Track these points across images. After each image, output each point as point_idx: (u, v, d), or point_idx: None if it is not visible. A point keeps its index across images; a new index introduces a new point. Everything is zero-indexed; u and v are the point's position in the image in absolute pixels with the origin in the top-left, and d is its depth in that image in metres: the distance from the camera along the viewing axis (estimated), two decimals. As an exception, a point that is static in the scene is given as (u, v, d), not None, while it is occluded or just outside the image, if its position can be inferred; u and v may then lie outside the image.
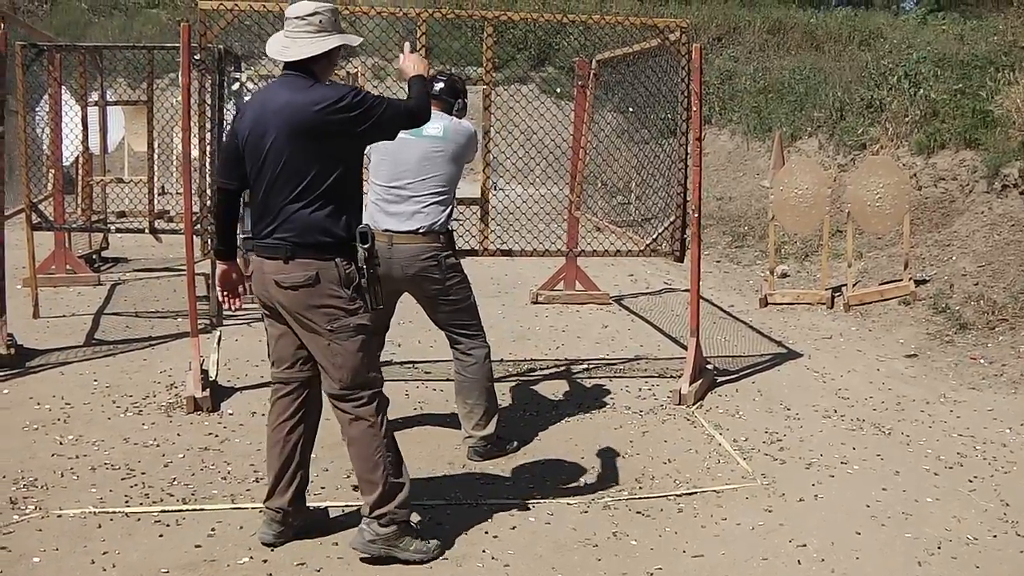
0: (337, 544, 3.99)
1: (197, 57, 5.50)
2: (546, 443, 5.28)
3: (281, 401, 4.06)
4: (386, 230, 4.82)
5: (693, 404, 5.91)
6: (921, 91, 11.18)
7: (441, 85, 5.10)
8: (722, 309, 8.43)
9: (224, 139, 5.35)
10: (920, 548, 4.13)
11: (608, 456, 5.10)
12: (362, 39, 4.18)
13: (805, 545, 4.13)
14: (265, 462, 4.14)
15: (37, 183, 7.92)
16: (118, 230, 7.92)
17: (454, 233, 5.07)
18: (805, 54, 17.80)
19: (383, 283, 4.42)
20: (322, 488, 4.53)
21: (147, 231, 7.68)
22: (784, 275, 9.51)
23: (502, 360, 6.75)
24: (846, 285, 8.35)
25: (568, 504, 4.50)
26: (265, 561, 3.87)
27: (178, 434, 5.22)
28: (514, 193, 8.81)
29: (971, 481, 4.85)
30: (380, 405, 3.94)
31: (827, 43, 18.60)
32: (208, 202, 6.18)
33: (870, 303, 8.15)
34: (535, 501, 4.52)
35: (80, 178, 8.28)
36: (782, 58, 17.80)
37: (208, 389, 5.65)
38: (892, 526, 4.34)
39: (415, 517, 4.10)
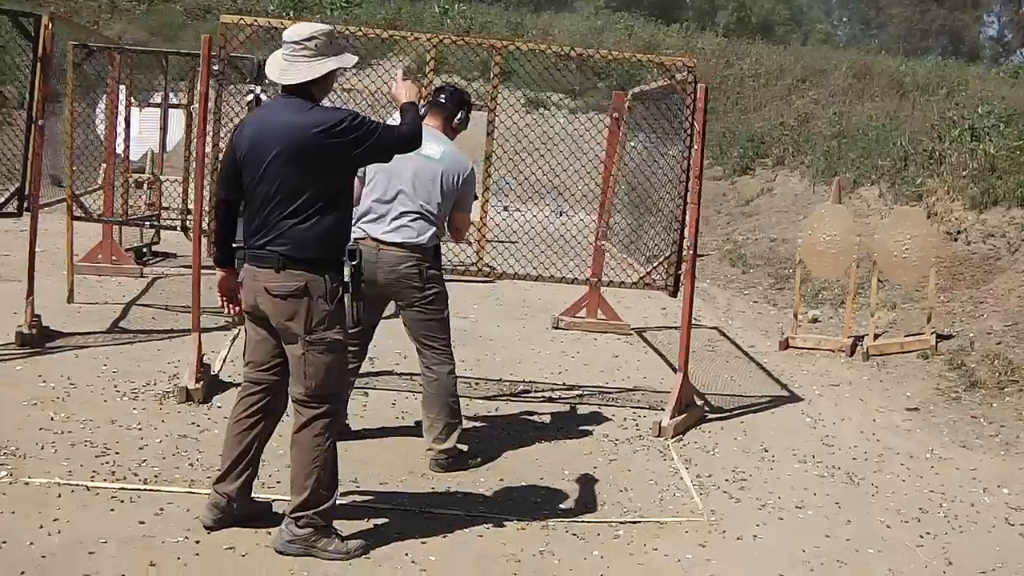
0: (270, 534, 4.21)
1: (216, 68, 5.83)
2: (511, 462, 5.44)
3: (248, 398, 4.32)
4: (375, 239, 5.05)
5: (672, 437, 5.99)
6: (981, 146, 11.04)
7: (446, 95, 5.32)
8: (740, 348, 8.47)
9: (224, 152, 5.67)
10: (839, 596, 4.18)
11: (567, 480, 5.24)
12: (358, 58, 4.42)
13: (723, 581, 4.21)
14: (221, 450, 4.39)
15: (89, 176, 8.39)
16: (151, 226, 8.34)
17: (440, 250, 5.25)
18: (888, 101, 17.64)
19: (368, 287, 4.69)
20: (277, 483, 4.76)
21: (178, 229, 8.08)
22: (815, 320, 9.49)
23: (500, 379, 6.94)
24: (868, 335, 8.31)
25: (508, 521, 4.65)
26: (197, 542, 4.13)
27: (162, 421, 5.53)
28: (583, 222, 9.00)
29: (922, 537, 4.86)
30: (335, 421, 4.22)
31: (913, 91, 18.39)
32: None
33: (890, 354, 8.10)
34: (478, 515, 4.69)
35: (120, 175, 8.69)
36: (864, 104, 17.67)
37: (202, 382, 5.95)
38: (821, 573, 4.40)
39: (355, 523, 4.30)
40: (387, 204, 5.09)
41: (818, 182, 14.60)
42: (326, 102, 4.21)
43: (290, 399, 4.21)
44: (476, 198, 5.33)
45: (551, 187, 11.30)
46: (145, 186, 10.40)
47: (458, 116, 5.28)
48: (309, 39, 4.03)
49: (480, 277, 7.38)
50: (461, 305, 9.04)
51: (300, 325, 4.03)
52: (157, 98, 10.14)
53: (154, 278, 9.13)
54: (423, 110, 5.18)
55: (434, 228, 5.12)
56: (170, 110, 10.00)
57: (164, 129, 9.95)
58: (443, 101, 5.27)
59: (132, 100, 9.00)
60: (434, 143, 5.08)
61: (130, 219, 8.91)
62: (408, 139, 4.19)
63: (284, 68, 4.07)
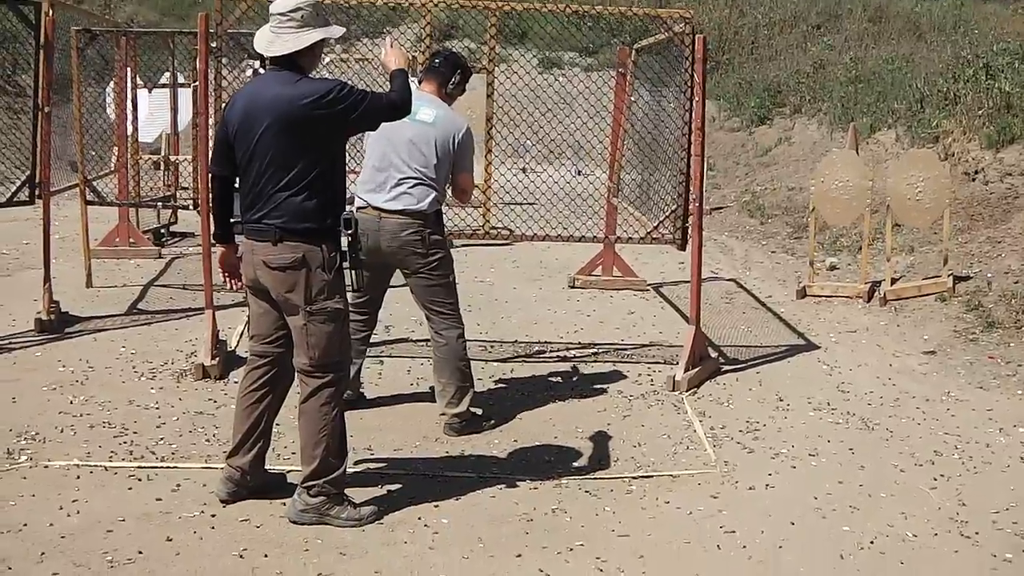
0: (285, 504, 4.27)
1: (213, 45, 5.84)
2: (525, 423, 5.47)
3: (254, 371, 4.38)
4: (375, 207, 5.07)
5: (687, 391, 6.00)
6: (996, 84, 10.86)
7: (441, 58, 5.31)
8: (757, 299, 8.44)
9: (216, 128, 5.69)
10: (851, 542, 4.19)
11: (580, 438, 5.27)
12: (344, 30, 4.43)
13: (734, 532, 4.24)
14: (232, 425, 4.44)
15: (100, 160, 8.44)
16: (165, 206, 8.38)
17: (442, 215, 5.26)
18: (905, 43, 17.37)
19: (372, 255, 4.73)
20: (292, 454, 4.80)
21: (191, 208, 8.13)
22: (834, 268, 9.42)
23: (515, 341, 6.97)
24: (885, 279, 8.25)
25: (521, 481, 4.68)
26: (213, 516, 4.20)
27: (179, 398, 5.60)
28: (599, 180, 8.98)
29: (935, 480, 4.85)
30: (339, 389, 4.25)
31: (929, 32, 18.09)
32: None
33: (908, 298, 8.04)
34: (491, 476, 4.73)
35: (129, 156, 8.74)
36: (880, 47, 17.41)
37: (218, 358, 6.01)
38: (833, 519, 4.40)
39: (368, 490, 4.34)
40: (385, 172, 5.09)
41: (835, 129, 14.44)
42: (327, 73, 4.23)
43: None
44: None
45: (569, 146, 11.31)
46: (161, 167, 10.46)
47: (452, 80, 5.26)
48: (295, 10, 4.03)
49: (493, 240, 7.41)
50: (478, 269, 9.09)
51: (300, 296, 4.06)
52: (166, 79, 10.15)
53: (172, 258, 9.19)
54: (420, 76, 5.20)
55: (435, 193, 5.12)
56: (180, 90, 10.02)
57: (175, 109, 9.97)
58: (437, 65, 5.27)
59: (140, 82, 9.02)
60: (428, 107, 5.09)
61: (142, 201, 8.95)
62: (397, 105, 4.19)
63: (271, 40, 4.08)
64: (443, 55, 5.37)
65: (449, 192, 5.28)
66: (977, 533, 4.30)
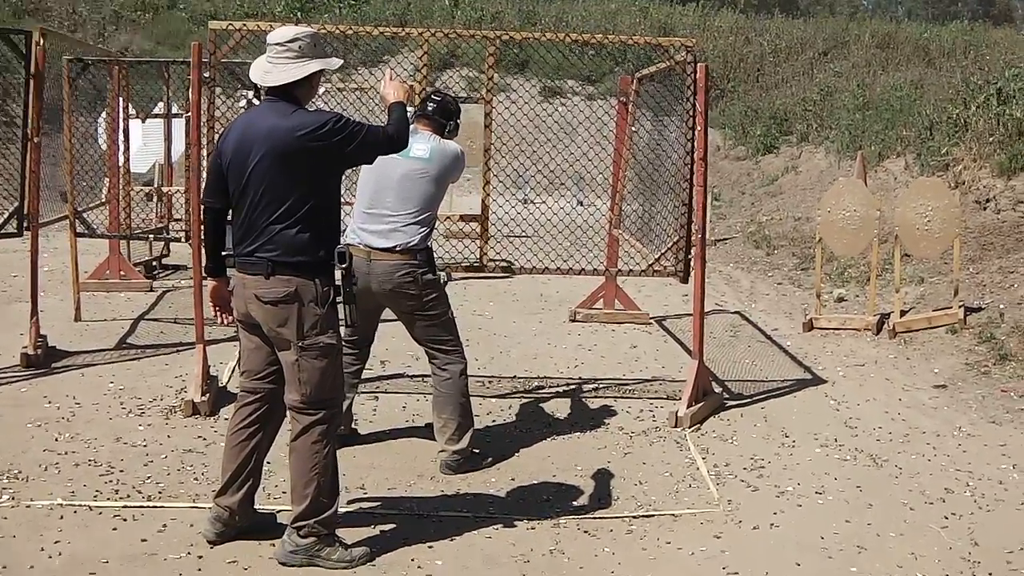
0: (274, 545, 4.24)
1: (207, 75, 5.87)
2: (523, 460, 5.44)
3: (245, 408, 4.36)
4: (366, 246, 5.07)
5: (690, 427, 5.97)
6: (1008, 110, 10.89)
7: (434, 106, 5.34)
8: (763, 332, 8.42)
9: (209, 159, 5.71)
10: (858, 582, 4.15)
11: (580, 476, 5.23)
12: (342, 61, 4.45)
13: (737, 573, 4.20)
14: (221, 463, 4.41)
15: (91, 191, 8.46)
16: (156, 239, 8.38)
17: (432, 251, 5.27)
18: (913, 69, 17.47)
19: (362, 297, 4.73)
20: (283, 493, 4.77)
21: (184, 240, 8.13)
22: (841, 299, 9.41)
23: (514, 376, 6.94)
24: (894, 311, 8.23)
25: (518, 520, 4.65)
26: (200, 557, 4.17)
27: (168, 436, 5.57)
28: (601, 211, 8.99)
29: (947, 518, 4.81)
30: (332, 426, 4.23)
31: (939, 58, 18.21)
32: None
33: (917, 330, 8.02)
34: (487, 516, 4.69)
35: (121, 187, 8.76)
36: (888, 74, 17.51)
37: (208, 394, 5.99)
38: (839, 559, 4.36)
39: (361, 531, 4.31)
40: (376, 209, 5.11)
41: (843, 157, 14.51)
42: (322, 104, 4.25)
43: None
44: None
45: (569, 176, 11.33)
46: (154, 198, 10.49)
47: (448, 127, 5.32)
48: (292, 40, 4.06)
49: (492, 274, 7.39)
50: (477, 302, 9.08)
51: (292, 331, 4.06)
52: (160, 108, 10.20)
53: (164, 291, 9.20)
54: (412, 118, 5.20)
55: (426, 229, 5.15)
56: (174, 120, 10.06)
57: (169, 139, 10.01)
58: (431, 112, 5.29)
59: (133, 111, 9.05)
60: (422, 142, 5.14)
61: (134, 233, 8.97)
62: (394, 139, 4.22)
63: (267, 70, 4.11)
64: (435, 102, 5.38)
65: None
66: (990, 574, 4.26)
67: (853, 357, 7.69)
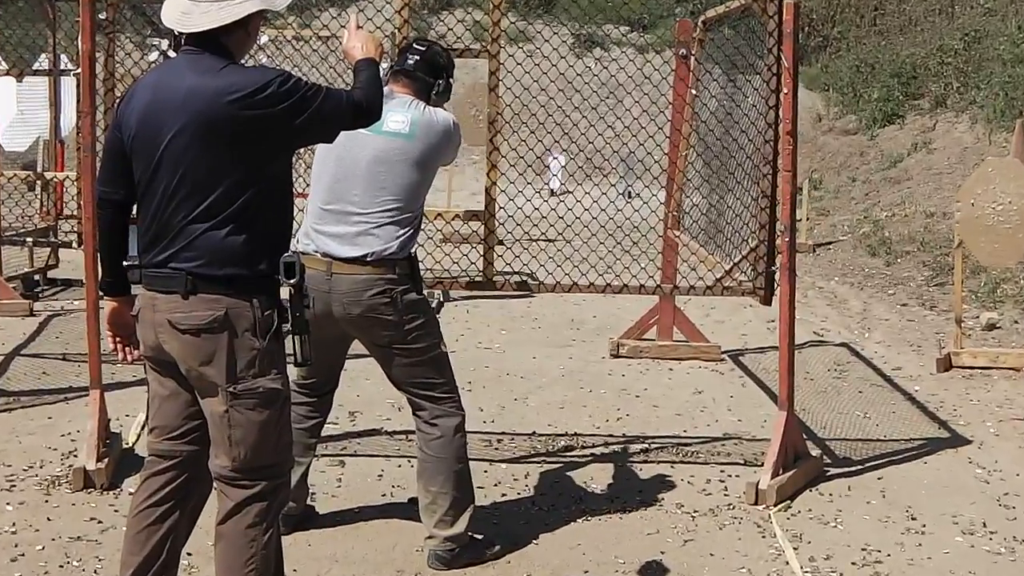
0: (193, 669, 4.26)
1: (103, 16, 5.91)
2: (544, 549, 5.45)
3: (154, 479, 4.33)
4: (325, 254, 5.07)
5: (775, 505, 5.97)
6: None
7: (416, 58, 5.34)
8: (880, 372, 8.45)
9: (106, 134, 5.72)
10: None
11: (623, 572, 5.23)
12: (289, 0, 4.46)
13: None
14: (121, 555, 4.42)
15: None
16: (36, 244, 8.44)
17: (416, 261, 5.27)
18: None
19: (321, 324, 4.72)
20: (207, 595, 4.80)
21: (76, 245, 8.18)
22: (992, 327, 9.43)
23: (533, 433, 6.97)
24: (1065, 344, 8.23)
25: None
26: None
27: (48, 518, 5.60)
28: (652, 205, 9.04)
29: None
30: (276, 504, 4.20)
31: None
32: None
33: (1099, 372, 8.02)
34: (491, 631, 4.71)
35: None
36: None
37: (107, 459, 6.02)
38: None
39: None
40: (338, 205, 5.11)
41: (996, 128, 14.53)
42: (264, 59, 4.26)
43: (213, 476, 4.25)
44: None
45: (607, 159, 11.36)
46: (37, 187, 10.56)
47: (435, 88, 5.32)
48: None
49: (505, 292, 7.42)
50: (484, 331, 9.14)
51: (220, 371, 4.04)
52: (44, 62, 10.29)
53: (48, 316, 9.27)
54: (386, 78, 5.18)
55: (408, 230, 5.14)
56: (64, 79, 10.11)
57: (56, 106, 10.08)
58: (412, 68, 5.29)
59: (2, 65, 9.11)
60: (400, 112, 5.13)
61: (6, 235, 9.02)
62: (362, 107, 4.18)
63: (186, 11, 4.08)
64: (418, 52, 5.38)
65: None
66: None
67: (1007, 408, 7.70)
